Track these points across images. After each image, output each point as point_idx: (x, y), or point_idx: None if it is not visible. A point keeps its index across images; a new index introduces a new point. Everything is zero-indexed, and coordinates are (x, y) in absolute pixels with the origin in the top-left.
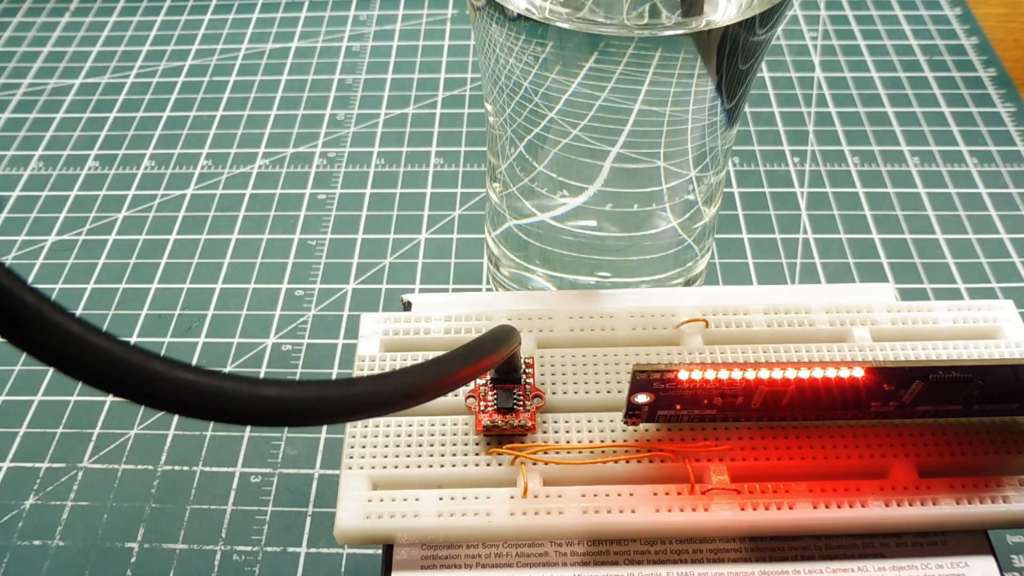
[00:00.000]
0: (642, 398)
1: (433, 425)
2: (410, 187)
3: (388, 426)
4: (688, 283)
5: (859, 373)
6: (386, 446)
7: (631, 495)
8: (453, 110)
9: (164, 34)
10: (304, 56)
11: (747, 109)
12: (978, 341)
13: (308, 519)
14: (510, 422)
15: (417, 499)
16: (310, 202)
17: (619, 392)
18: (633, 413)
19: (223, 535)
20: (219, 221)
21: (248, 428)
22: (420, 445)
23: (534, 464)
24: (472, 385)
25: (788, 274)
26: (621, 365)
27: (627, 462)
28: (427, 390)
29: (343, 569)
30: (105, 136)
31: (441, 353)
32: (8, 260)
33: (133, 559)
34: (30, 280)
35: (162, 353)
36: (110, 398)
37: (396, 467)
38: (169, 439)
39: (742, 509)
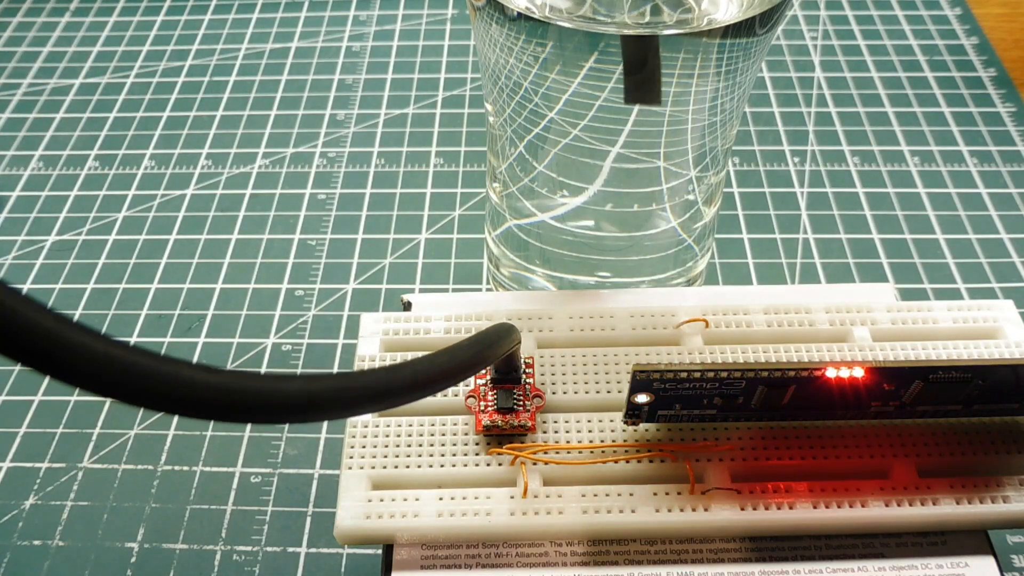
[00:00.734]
0: (642, 398)
1: (433, 425)
2: (410, 187)
3: (388, 426)
4: (688, 283)
5: (859, 373)
6: (386, 446)
7: (631, 495)
8: (453, 110)
9: (164, 34)
10: (304, 56)
11: (747, 109)
12: (978, 341)
13: (308, 519)
14: (510, 422)
15: (417, 499)
16: (310, 202)
17: (619, 392)
18: (633, 413)
19: (223, 535)
20: (219, 221)
21: (248, 428)
22: (420, 445)
23: (534, 464)
24: (472, 385)
25: (788, 274)
26: (621, 365)
27: (627, 462)
28: (441, 376)
29: (343, 569)
30: (105, 136)
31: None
32: (8, 260)
33: (133, 559)
34: (30, 280)
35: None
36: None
37: (396, 467)
38: (169, 439)
39: (742, 509)
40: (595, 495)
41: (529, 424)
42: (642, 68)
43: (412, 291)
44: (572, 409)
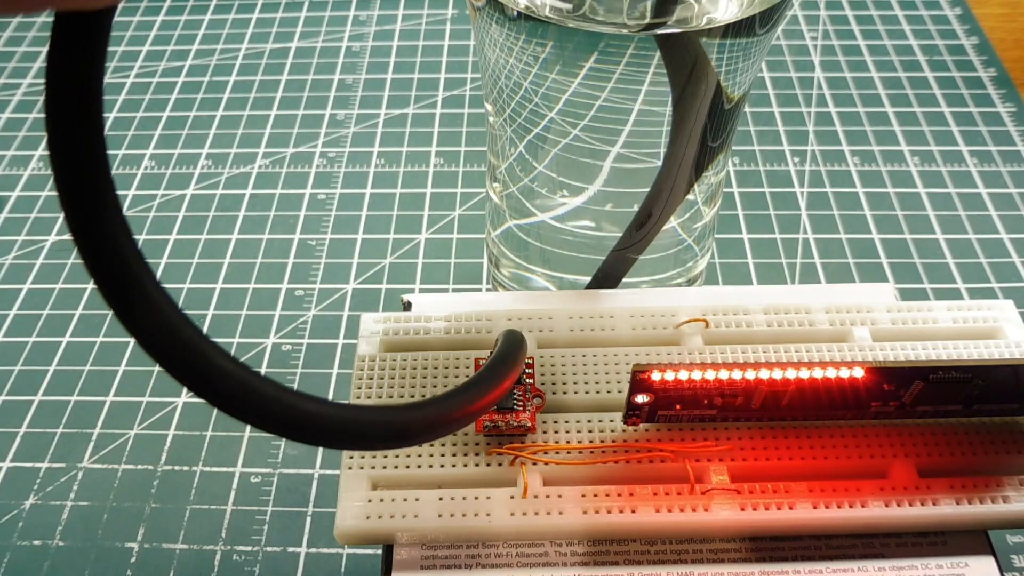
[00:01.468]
0: (642, 398)
1: None
2: (410, 187)
3: None
4: (688, 283)
5: (859, 373)
6: None
7: (631, 495)
8: (453, 110)
9: (164, 34)
10: (304, 56)
11: (747, 109)
12: (978, 341)
13: (308, 519)
14: (510, 422)
15: (417, 499)
16: (310, 202)
17: (619, 392)
18: (633, 413)
19: (223, 535)
20: (219, 221)
21: (248, 427)
22: (420, 445)
23: (534, 464)
24: None
25: (788, 274)
26: (621, 365)
27: (627, 462)
28: (466, 415)
29: (343, 569)
30: (105, 136)
31: (467, 380)
32: (8, 260)
33: (133, 559)
34: (30, 280)
35: None
36: (110, 397)
37: (396, 467)
38: (169, 439)
39: (742, 509)
40: (595, 495)
41: (529, 424)
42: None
43: (412, 291)
44: (572, 409)
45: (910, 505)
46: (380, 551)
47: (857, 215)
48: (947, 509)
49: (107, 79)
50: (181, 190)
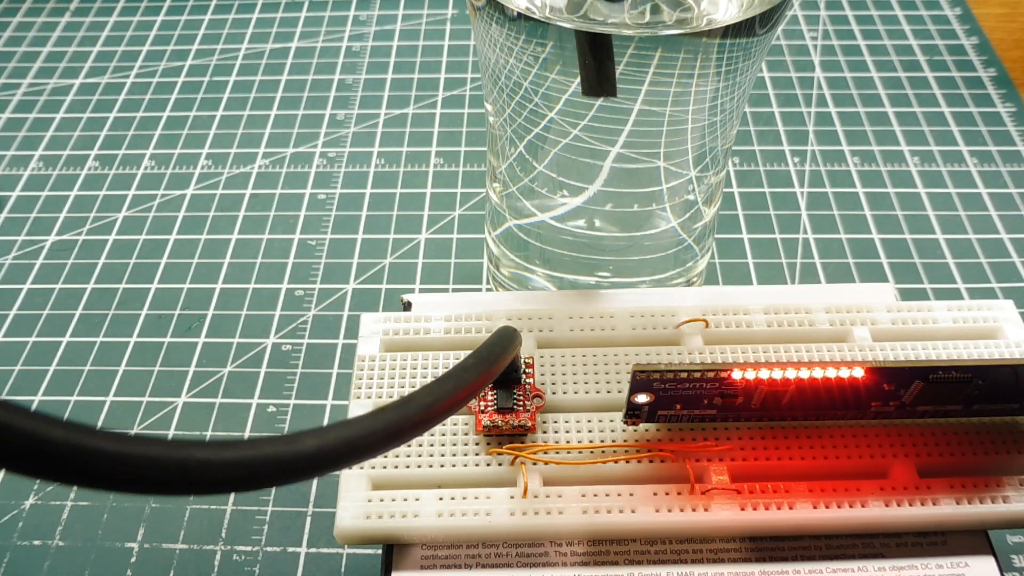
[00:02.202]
0: (642, 398)
1: None
2: (410, 187)
3: None
4: (688, 283)
5: (859, 373)
6: None
7: (631, 495)
8: (453, 110)
9: (164, 34)
10: (304, 56)
11: (747, 109)
12: (978, 341)
13: (308, 519)
14: (510, 422)
15: (417, 499)
16: (310, 202)
17: (619, 392)
18: (633, 413)
19: (223, 535)
20: (219, 221)
21: (248, 427)
22: (420, 445)
23: (534, 464)
24: None
25: (788, 274)
26: (621, 365)
27: (627, 462)
28: (449, 405)
29: (343, 569)
30: (105, 136)
31: (451, 368)
32: (8, 260)
33: (133, 559)
34: (30, 280)
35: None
36: (110, 397)
37: (396, 467)
38: (169, 439)
39: (742, 509)
40: (595, 495)
41: (529, 424)
42: (598, 64)
43: (412, 291)
44: (572, 409)
45: (910, 505)
46: (380, 551)
47: (857, 215)
48: (947, 509)
49: (107, 79)
50: (181, 190)
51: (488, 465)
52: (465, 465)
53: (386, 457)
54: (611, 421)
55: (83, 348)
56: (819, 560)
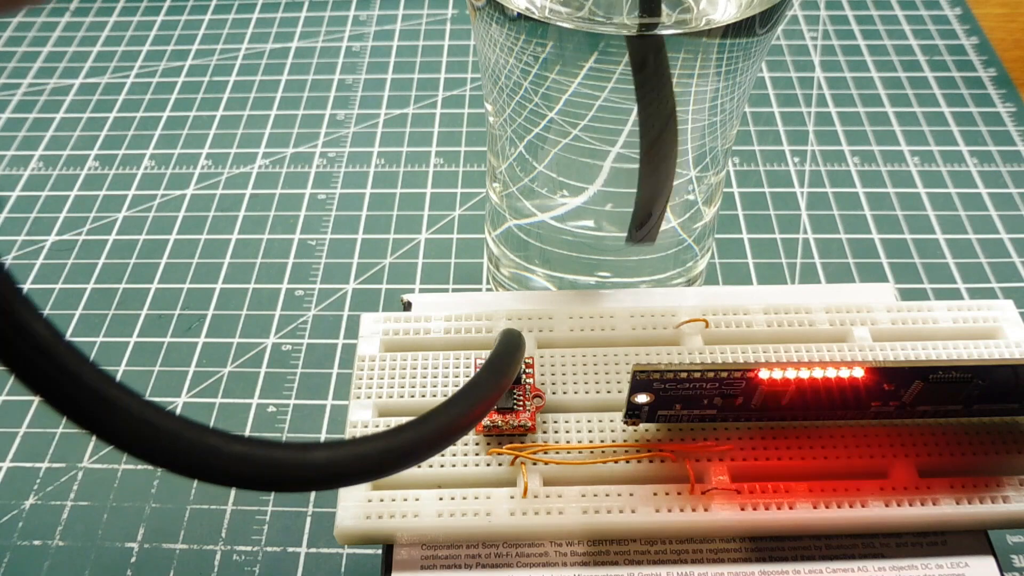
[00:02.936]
0: (642, 398)
1: None
2: (410, 187)
3: (388, 426)
4: (688, 283)
5: (859, 373)
6: None
7: (631, 495)
8: (453, 110)
9: (164, 34)
10: (304, 56)
11: (747, 109)
12: (978, 341)
13: (308, 519)
14: (510, 422)
15: (417, 499)
16: (310, 202)
17: (619, 392)
18: (633, 413)
19: (223, 535)
20: (219, 221)
21: (248, 427)
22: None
23: (534, 464)
24: None
25: (788, 274)
26: (621, 365)
27: (627, 462)
28: (469, 420)
29: (343, 569)
30: (105, 136)
31: (465, 384)
32: (8, 260)
33: (133, 559)
34: (30, 280)
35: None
36: None
37: None
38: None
39: (742, 509)
40: (595, 495)
41: (529, 424)
42: (649, 215)
43: (412, 291)
44: (572, 409)
45: (910, 505)
46: (380, 551)
47: (857, 215)
48: (947, 509)
49: (107, 79)
50: (181, 190)
51: (488, 465)
52: (465, 465)
53: None
54: (611, 421)
55: (83, 348)
56: (819, 560)
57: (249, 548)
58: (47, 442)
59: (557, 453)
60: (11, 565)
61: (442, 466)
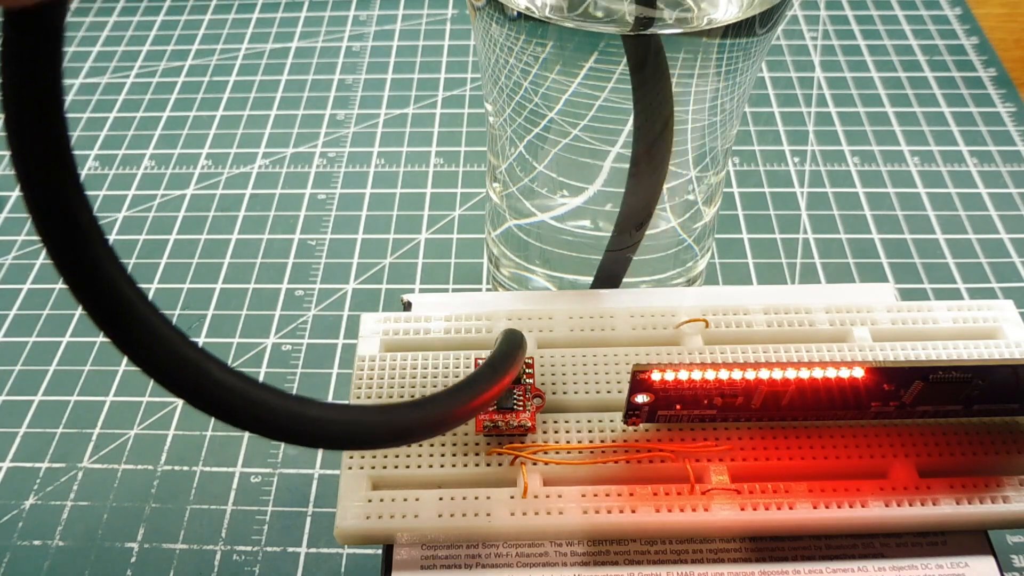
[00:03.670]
0: (642, 398)
1: None
2: (410, 187)
3: None
4: (688, 283)
5: (859, 373)
6: None
7: (631, 495)
8: (453, 110)
9: (164, 34)
10: (304, 56)
11: (747, 109)
12: (978, 341)
13: (308, 519)
14: (510, 422)
15: (417, 499)
16: (310, 202)
17: (619, 392)
18: (633, 413)
19: (223, 535)
20: (219, 221)
21: None
22: (420, 445)
23: (534, 464)
24: None
25: (788, 274)
26: (621, 365)
27: (627, 462)
28: (466, 412)
29: (343, 569)
30: (105, 136)
31: (467, 376)
32: (8, 260)
33: (133, 559)
34: (30, 280)
35: None
36: (110, 397)
37: (396, 467)
38: (169, 439)
39: (742, 509)
40: (595, 495)
41: (529, 424)
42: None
43: (412, 291)
44: (572, 409)
45: (910, 505)
46: (380, 551)
47: (857, 215)
48: (947, 509)
49: (107, 79)
50: (181, 190)
51: (488, 465)
52: (465, 465)
53: (386, 457)
54: (611, 421)
55: (83, 348)
56: (819, 560)
57: (249, 548)
58: (47, 442)
59: (557, 453)
60: (11, 565)
61: (442, 466)
